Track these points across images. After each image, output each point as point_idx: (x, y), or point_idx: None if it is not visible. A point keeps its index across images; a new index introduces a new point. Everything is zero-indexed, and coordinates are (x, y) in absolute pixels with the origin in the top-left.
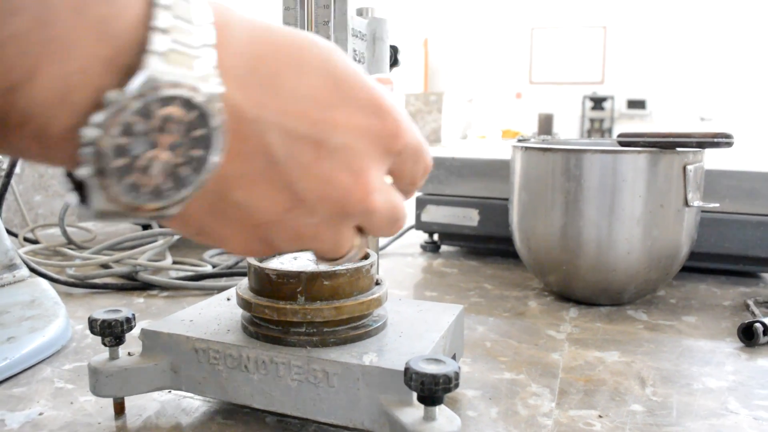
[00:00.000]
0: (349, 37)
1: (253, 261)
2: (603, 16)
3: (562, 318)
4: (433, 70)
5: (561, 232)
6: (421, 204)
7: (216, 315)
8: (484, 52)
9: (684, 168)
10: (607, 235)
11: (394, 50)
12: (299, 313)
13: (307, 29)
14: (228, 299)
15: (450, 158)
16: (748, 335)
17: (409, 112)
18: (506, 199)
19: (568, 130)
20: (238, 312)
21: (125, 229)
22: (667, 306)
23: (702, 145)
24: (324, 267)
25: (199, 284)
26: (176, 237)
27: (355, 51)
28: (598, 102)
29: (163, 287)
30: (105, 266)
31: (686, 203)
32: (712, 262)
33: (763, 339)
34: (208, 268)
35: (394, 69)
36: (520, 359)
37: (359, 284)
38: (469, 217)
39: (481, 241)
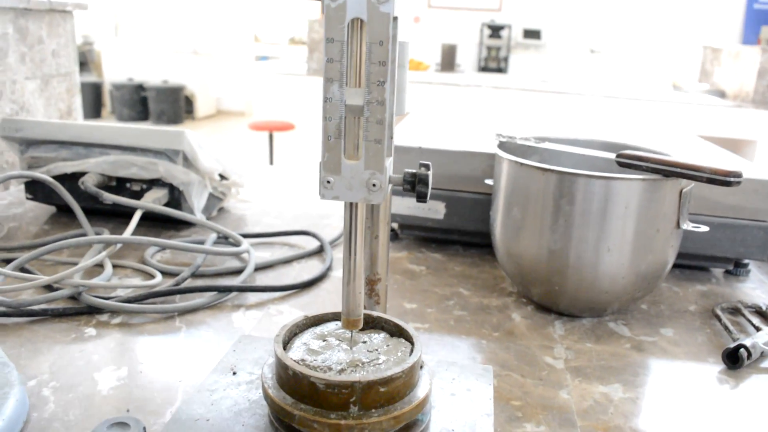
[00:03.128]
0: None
1: (291, 363)
2: None
3: (551, 337)
4: None
5: (551, 252)
6: None
7: (233, 407)
8: None
9: (680, 192)
10: (599, 258)
11: None
12: (355, 428)
13: (353, 84)
14: (234, 373)
15: (416, 148)
16: (732, 359)
17: (313, 40)
18: (474, 193)
19: (467, 60)
20: (258, 400)
21: (34, 220)
22: (642, 314)
23: (712, 182)
24: (365, 356)
25: (157, 308)
26: (118, 246)
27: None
28: (495, 30)
29: (113, 311)
30: (26, 272)
31: (678, 226)
32: None
33: (746, 362)
34: (158, 278)
35: None
36: (533, 402)
37: (412, 382)
38: (434, 210)
39: (445, 233)
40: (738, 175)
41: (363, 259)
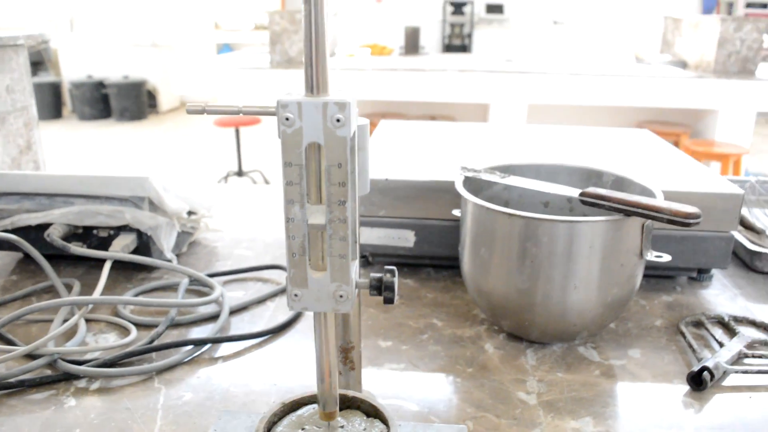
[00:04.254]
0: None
1: None
2: None
3: (523, 368)
4: None
5: (519, 290)
6: None
7: None
8: None
9: (642, 226)
10: (566, 295)
11: None
12: None
13: (314, 201)
14: None
15: (383, 180)
16: (697, 382)
17: (275, 32)
18: (443, 220)
19: (431, 39)
20: None
21: (2, 269)
22: (610, 335)
23: (672, 222)
24: None
25: (134, 370)
26: (89, 306)
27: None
28: (458, 7)
29: (91, 376)
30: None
31: (641, 257)
32: None
33: (710, 384)
34: (133, 334)
35: None
36: None
37: None
38: (404, 239)
39: (416, 259)
40: (697, 216)
41: (336, 357)
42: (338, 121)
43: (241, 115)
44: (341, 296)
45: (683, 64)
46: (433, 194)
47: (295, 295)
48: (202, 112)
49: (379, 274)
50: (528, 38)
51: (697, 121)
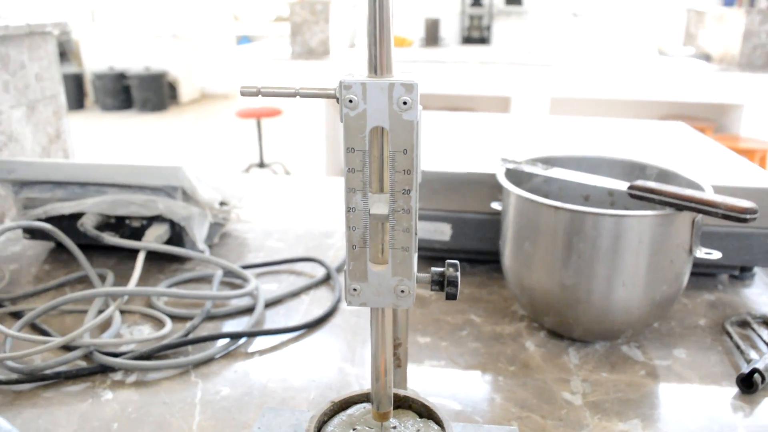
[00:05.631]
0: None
1: None
2: None
3: (566, 368)
4: None
5: (564, 287)
6: None
7: None
8: None
9: (693, 221)
10: (612, 292)
11: None
12: None
13: (376, 189)
14: None
15: (425, 171)
16: (747, 384)
17: (295, 23)
18: (480, 213)
19: (450, 32)
20: None
21: (34, 259)
22: (654, 334)
23: (727, 218)
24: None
25: (171, 363)
26: (125, 298)
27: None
28: None
29: (127, 369)
30: (34, 328)
31: (690, 253)
32: None
33: (761, 386)
34: (168, 326)
35: None
36: None
37: None
38: (440, 232)
39: (452, 252)
40: (754, 211)
41: (391, 356)
42: (405, 104)
43: (297, 97)
44: (402, 291)
45: (707, 57)
46: (471, 186)
47: (354, 290)
48: (257, 93)
49: (440, 269)
50: (547, 31)
51: (722, 116)
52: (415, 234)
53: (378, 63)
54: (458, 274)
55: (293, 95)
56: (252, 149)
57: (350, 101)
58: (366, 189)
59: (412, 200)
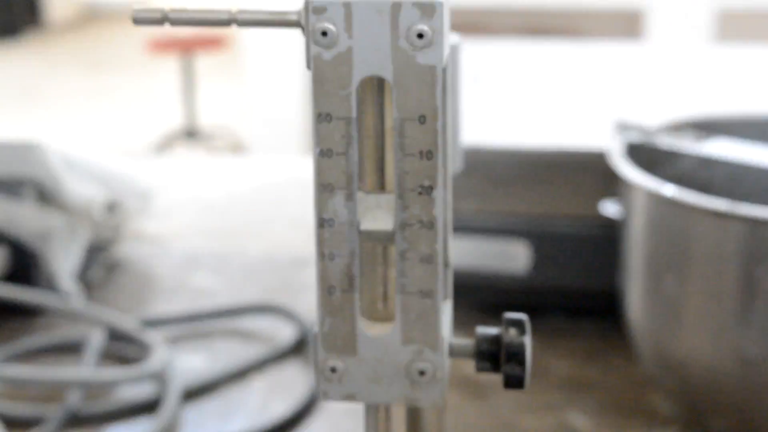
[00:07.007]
0: None
1: None
2: None
3: None
4: None
5: (744, 361)
6: None
7: None
8: None
9: None
10: None
11: None
12: None
13: (372, 187)
14: None
15: (468, 150)
16: None
17: None
18: (579, 222)
19: None
20: None
21: None
22: None
23: None
24: None
25: None
26: None
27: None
28: None
29: None
30: None
31: None
32: None
33: None
34: None
35: None
36: None
37: None
38: (509, 256)
39: (529, 294)
40: None
41: None
42: (420, 37)
43: (234, 26)
44: (422, 373)
45: None
46: (562, 175)
47: (332, 370)
48: (161, 21)
49: (492, 330)
50: None
51: None
52: (447, 266)
53: None
54: (526, 339)
55: (226, 23)
56: (174, 109)
57: (324, 33)
58: (353, 187)
59: (438, 205)
